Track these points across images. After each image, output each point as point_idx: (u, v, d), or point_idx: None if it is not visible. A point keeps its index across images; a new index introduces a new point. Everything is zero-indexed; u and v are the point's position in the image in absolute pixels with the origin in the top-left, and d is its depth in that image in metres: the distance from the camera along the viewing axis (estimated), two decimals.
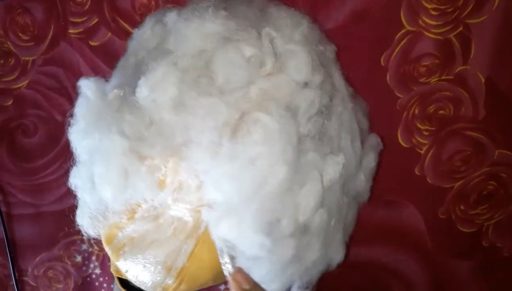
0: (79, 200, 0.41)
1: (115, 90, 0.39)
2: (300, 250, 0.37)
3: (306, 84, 0.38)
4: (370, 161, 0.46)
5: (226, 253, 0.36)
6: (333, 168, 0.38)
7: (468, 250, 0.69)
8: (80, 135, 0.39)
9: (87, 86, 0.39)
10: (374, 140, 0.47)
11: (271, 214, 0.35)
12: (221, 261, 0.36)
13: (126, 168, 0.36)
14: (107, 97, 0.38)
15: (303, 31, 0.39)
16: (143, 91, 0.36)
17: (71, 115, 0.39)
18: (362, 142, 0.46)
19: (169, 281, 0.37)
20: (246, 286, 0.34)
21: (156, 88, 0.35)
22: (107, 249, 0.40)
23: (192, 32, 0.37)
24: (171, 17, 0.39)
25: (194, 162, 0.35)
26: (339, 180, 0.39)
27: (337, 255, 0.44)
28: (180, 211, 0.37)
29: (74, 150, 0.39)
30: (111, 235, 0.40)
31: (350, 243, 0.69)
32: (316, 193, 0.36)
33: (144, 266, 0.38)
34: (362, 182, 0.45)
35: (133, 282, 0.39)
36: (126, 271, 0.39)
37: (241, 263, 0.37)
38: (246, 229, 0.35)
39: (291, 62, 0.37)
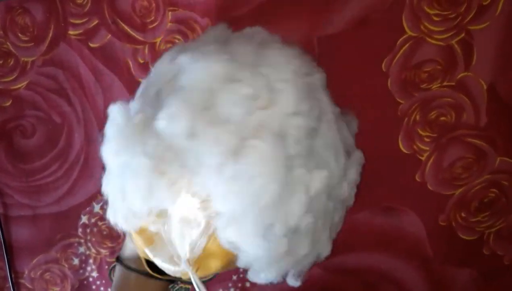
0: (110, 203, 0.50)
1: (140, 116, 0.47)
2: (292, 246, 0.46)
3: (295, 113, 0.45)
4: (353, 173, 0.53)
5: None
6: (318, 181, 0.46)
7: (469, 257, 0.69)
8: (112, 154, 0.48)
9: (116, 111, 0.48)
10: (358, 155, 0.54)
11: (266, 221, 0.44)
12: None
13: (150, 183, 0.45)
14: (133, 121, 0.47)
15: (292, 68, 0.47)
16: (162, 123, 0.44)
17: (102, 135, 0.47)
18: (349, 155, 0.53)
19: (188, 269, 0.48)
20: None
21: (172, 121, 0.44)
22: (138, 239, 0.51)
23: (200, 72, 0.46)
24: (183, 57, 0.48)
25: (205, 179, 0.44)
26: (324, 190, 0.47)
27: (325, 250, 0.52)
28: (195, 216, 0.47)
29: (106, 165, 0.48)
30: (142, 229, 0.50)
31: (350, 250, 0.69)
32: (303, 202, 0.45)
33: (168, 256, 0.50)
34: (346, 191, 0.52)
35: (159, 266, 0.50)
36: (153, 257, 0.50)
37: (244, 258, 0.46)
38: (247, 233, 0.45)
39: (281, 97, 0.45)
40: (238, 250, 0.46)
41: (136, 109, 0.49)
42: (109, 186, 0.50)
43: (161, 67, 0.52)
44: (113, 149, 0.48)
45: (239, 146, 0.43)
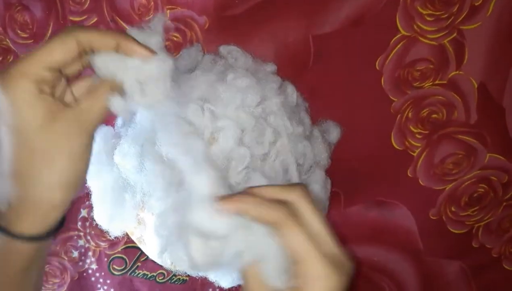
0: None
1: (112, 142, 0.53)
2: None
3: (240, 142, 0.48)
4: (314, 188, 0.55)
5: None
6: None
7: (458, 250, 0.71)
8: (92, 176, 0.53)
9: (98, 134, 0.52)
10: (319, 174, 0.56)
11: None
12: None
13: (115, 207, 0.53)
14: (107, 146, 0.53)
15: (238, 103, 0.49)
16: (116, 159, 0.51)
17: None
18: (314, 169, 0.56)
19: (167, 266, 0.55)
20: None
21: (125, 158, 0.51)
22: (132, 237, 0.58)
23: (147, 111, 0.49)
24: None
25: (152, 208, 0.50)
26: None
27: None
28: None
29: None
30: (129, 232, 0.58)
31: (344, 243, 0.70)
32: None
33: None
34: None
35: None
36: (147, 253, 0.60)
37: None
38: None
39: (222, 134, 0.48)
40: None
41: (113, 134, 0.55)
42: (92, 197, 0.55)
43: None
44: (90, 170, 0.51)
45: (182, 181, 0.44)
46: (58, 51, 0.36)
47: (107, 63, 0.39)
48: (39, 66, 0.36)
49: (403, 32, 0.60)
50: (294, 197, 0.35)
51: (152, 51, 0.40)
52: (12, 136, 0.36)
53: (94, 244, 0.74)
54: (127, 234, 0.58)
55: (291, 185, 0.37)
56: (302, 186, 0.36)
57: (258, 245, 0.35)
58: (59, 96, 0.39)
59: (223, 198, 0.36)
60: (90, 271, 0.76)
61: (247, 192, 0.37)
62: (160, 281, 0.75)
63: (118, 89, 0.39)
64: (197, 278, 0.69)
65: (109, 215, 0.54)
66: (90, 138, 0.39)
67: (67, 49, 0.37)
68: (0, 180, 0.37)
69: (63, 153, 0.37)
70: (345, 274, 0.34)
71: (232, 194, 0.36)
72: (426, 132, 0.65)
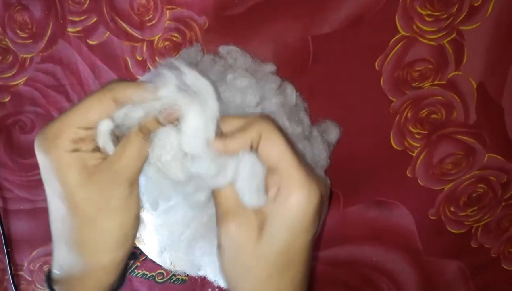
0: None
1: None
2: None
3: None
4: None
5: None
6: None
7: (457, 250, 0.71)
8: None
9: None
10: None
11: None
12: None
13: None
14: None
15: (238, 104, 0.48)
16: None
17: None
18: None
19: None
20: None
21: None
22: None
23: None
24: None
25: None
26: None
27: None
28: None
29: None
30: None
31: (343, 242, 0.71)
32: None
33: None
34: None
35: None
36: None
37: None
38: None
39: None
40: None
41: None
42: None
43: None
44: None
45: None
46: (95, 111, 0.35)
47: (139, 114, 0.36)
48: (75, 127, 0.35)
49: (402, 32, 0.60)
50: (262, 122, 0.35)
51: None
52: (58, 201, 0.35)
53: None
54: None
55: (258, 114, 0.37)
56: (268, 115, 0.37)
57: (230, 166, 0.35)
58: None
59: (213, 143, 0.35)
60: None
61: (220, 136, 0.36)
62: (160, 281, 0.75)
63: (148, 131, 0.37)
64: (196, 278, 0.69)
65: None
66: (131, 189, 0.36)
67: (103, 108, 0.35)
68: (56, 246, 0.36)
69: (102, 210, 0.35)
70: (318, 190, 0.34)
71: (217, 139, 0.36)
72: (425, 132, 0.65)
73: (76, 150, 0.35)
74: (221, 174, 0.35)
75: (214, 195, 0.36)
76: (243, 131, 0.35)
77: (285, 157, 0.33)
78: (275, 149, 0.34)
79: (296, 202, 0.33)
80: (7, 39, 0.64)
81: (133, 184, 0.36)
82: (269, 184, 0.34)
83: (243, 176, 0.34)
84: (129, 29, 0.62)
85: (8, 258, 0.72)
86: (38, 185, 0.70)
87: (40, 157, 0.35)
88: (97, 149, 0.36)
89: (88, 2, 0.61)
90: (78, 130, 0.35)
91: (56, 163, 0.34)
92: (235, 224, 0.35)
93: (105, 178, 0.35)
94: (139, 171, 0.37)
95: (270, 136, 0.34)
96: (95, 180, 0.35)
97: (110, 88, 0.35)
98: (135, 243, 0.38)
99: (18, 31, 0.64)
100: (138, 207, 0.38)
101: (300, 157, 0.34)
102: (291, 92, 0.55)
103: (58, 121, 0.35)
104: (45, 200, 0.37)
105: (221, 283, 0.54)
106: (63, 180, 0.34)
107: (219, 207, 0.36)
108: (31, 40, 0.64)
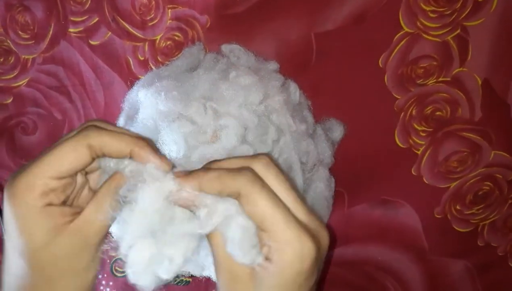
0: None
1: None
2: None
3: (243, 140, 0.48)
4: (318, 186, 0.56)
5: None
6: None
7: (464, 249, 0.70)
8: None
9: None
10: (323, 172, 0.56)
11: None
12: None
13: None
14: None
15: (241, 101, 0.49)
16: None
17: None
18: (318, 167, 0.56)
19: None
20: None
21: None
22: None
23: (149, 110, 0.50)
24: (141, 93, 0.53)
25: None
26: None
27: None
28: None
29: None
30: None
31: (349, 242, 0.70)
32: None
33: None
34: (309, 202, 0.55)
35: None
36: None
37: None
38: None
39: (225, 132, 0.48)
40: None
41: None
42: None
43: (130, 97, 0.58)
44: None
45: None
46: (68, 158, 0.33)
47: (116, 167, 0.36)
48: (46, 176, 0.33)
49: (406, 29, 0.59)
50: (257, 164, 0.33)
51: (168, 163, 0.35)
52: (19, 258, 0.34)
53: None
54: None
55: (255, 154, 0.35)
56: (266, 154, 0.34)
57: (219, 219, 0.33)
58: (73, 197, 0.36)
59: (182, 174, 0.33)
60: None
61: (209, 167, 0.34)
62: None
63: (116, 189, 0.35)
64: (201, 279, 0.69)
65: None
66: (95, 252, 0.35)
67: (77, 156, 0.33)
68: None
69: (66, 271, 0.34)
70: (319, 242, 0.31)
71: (192, 170, 0.34)
72: (430, 130, 0.64)
73: (46, 204, 0.33)
74: (204, 223, 0.33)
75: (208, 239, 0.35)
76: (222, 182, 0.32)
77: (270, 215, 0.30)
78: (257, 208, 0.31)
79: (288, 261, 0.30)
80: (8, 40, 0.64)
81: (100, 245, 0.36)
82: (262, 240, 0.32)
83: (233, 237, 0.32)
84: (130, 29, 0.61)
85: None
86: None
87: (7, 210, 0.33)
88: (66, 203, 0.35)
89: (89, 2, 0.61)
90: (50, 181, 0.33)
91: (24, 220, 0.33)
92: (227, 278, 0.33)
93: (74, 241, 0.34)
94: (106, 233, 0.36)
95: (250, 196, 0.31)
96: (64, 242, 0.33)
97: (85, 135, 0.34)
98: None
99: (20, 32, 0.63)
100: (99, 265, 0.37)
101: (297, 199, 0.32)
102: (294, 90, 0.55)
103: (29, 171, 0.33)
104: None
105: None
106: (29, 239, 0.33)
107: (213, 254, 0.34)
108: (33, 41, 0.64)
